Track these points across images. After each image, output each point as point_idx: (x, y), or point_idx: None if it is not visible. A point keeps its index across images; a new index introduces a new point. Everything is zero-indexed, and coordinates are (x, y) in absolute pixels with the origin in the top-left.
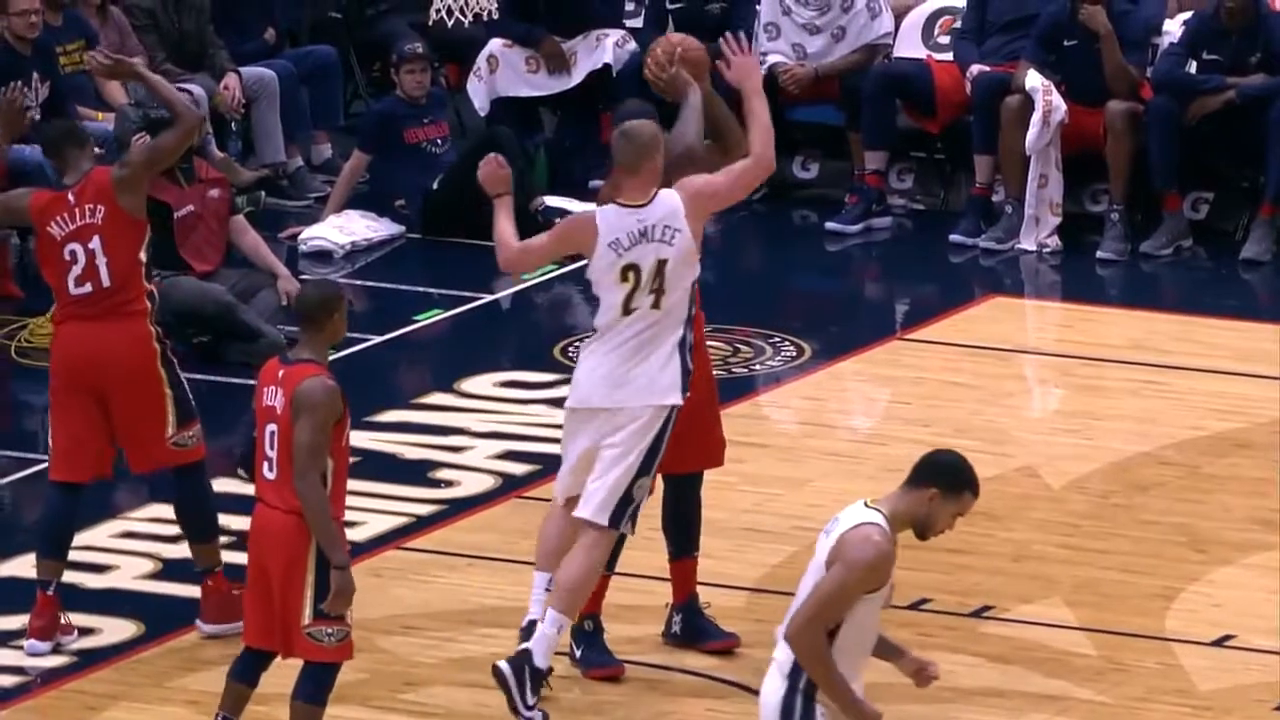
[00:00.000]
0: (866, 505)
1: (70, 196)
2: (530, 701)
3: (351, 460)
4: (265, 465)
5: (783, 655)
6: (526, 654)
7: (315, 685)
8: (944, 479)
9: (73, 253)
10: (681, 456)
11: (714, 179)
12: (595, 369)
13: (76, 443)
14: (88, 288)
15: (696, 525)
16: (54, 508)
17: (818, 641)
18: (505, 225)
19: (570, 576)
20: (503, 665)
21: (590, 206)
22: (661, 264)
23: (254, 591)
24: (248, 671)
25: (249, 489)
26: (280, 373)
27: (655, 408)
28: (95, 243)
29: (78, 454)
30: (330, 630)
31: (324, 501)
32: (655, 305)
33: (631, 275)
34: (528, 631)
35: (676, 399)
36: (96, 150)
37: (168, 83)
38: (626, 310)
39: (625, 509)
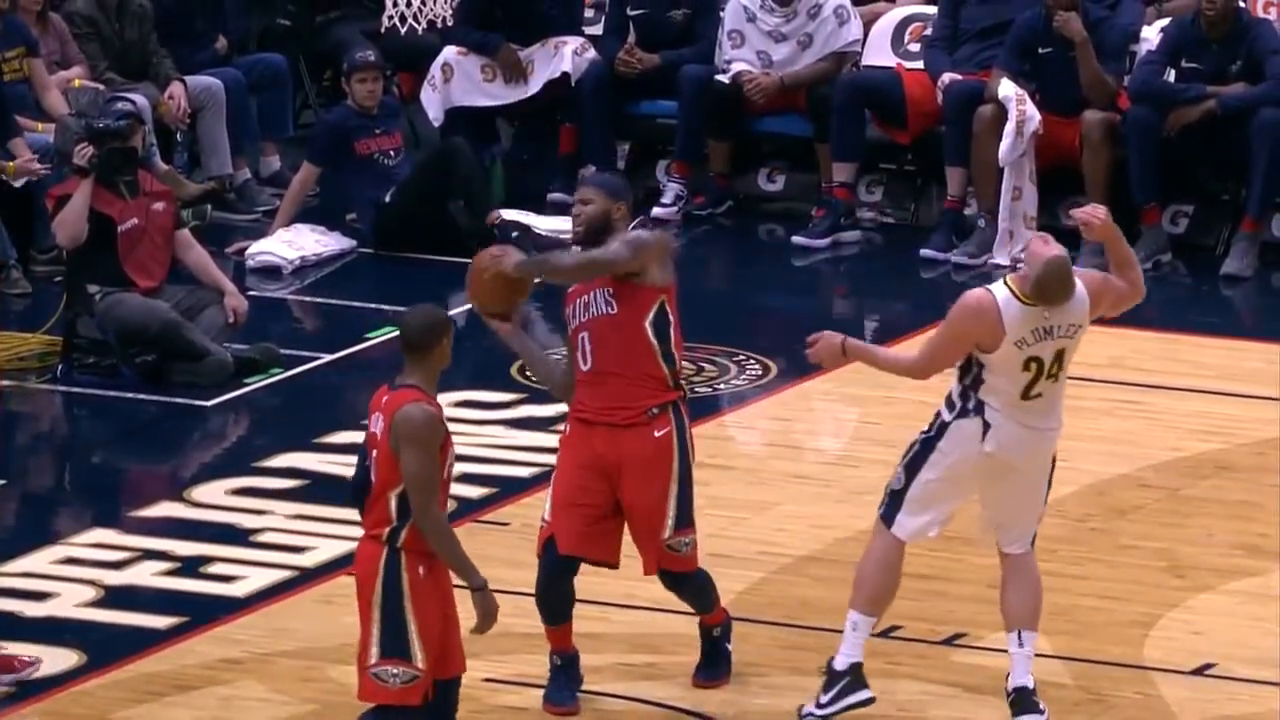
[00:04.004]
0: None
1: None
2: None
3: (300, 483)
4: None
5: None
6: (1022, 690)
7: None
8: None
9: None
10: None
11: (1114, 285)
12: (1005, 435)
13: None
14: None
15: (711, 588)
16: None
17: None
18: (880, 356)
19: (1035, 600)
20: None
21: (553, 222)
22: (1060, 353)
23: None
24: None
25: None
26: (384, 398)
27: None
28: None
29: None
30: (396, 671)
31: (448, 531)
32: (1054, 383)
33: (1034, 366)
34: (856, 678)
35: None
36: (39, 165)
37: None
38: (1026, 396)
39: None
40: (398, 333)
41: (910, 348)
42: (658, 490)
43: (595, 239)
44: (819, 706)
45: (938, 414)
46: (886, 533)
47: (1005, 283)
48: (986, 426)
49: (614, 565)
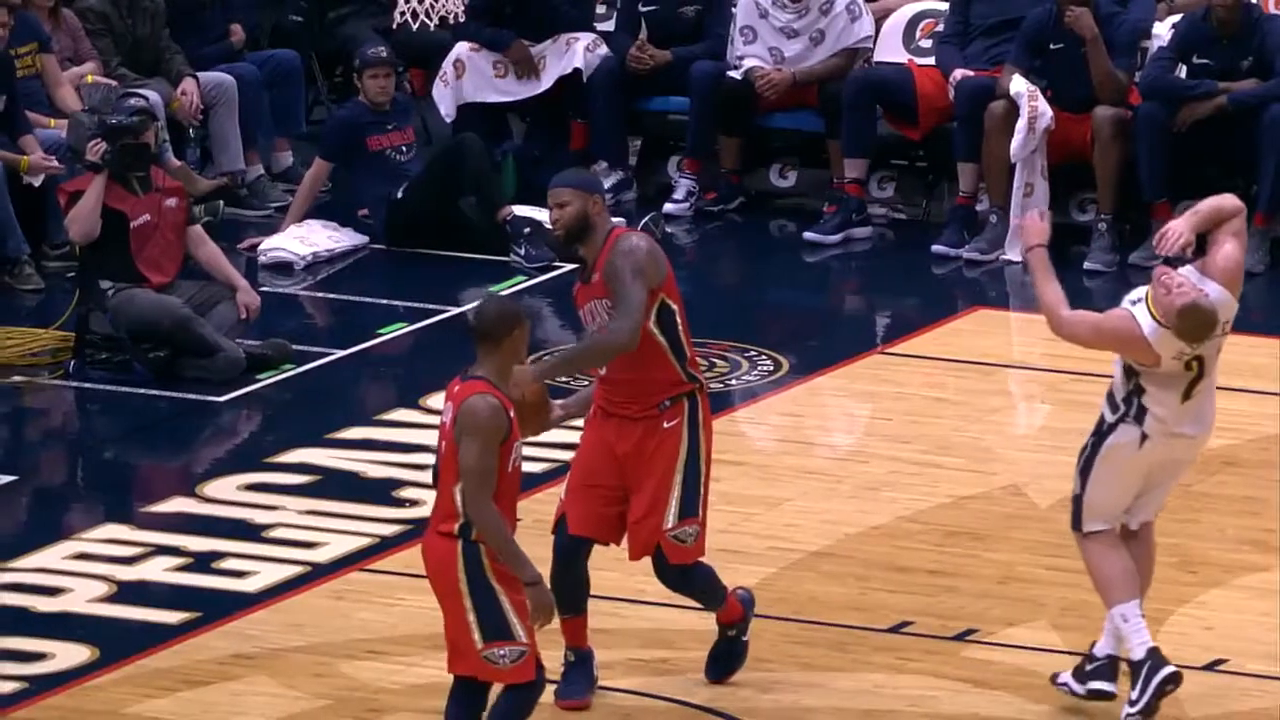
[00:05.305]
0: None
1: None
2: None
3: (311, 479)
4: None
5: None
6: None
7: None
8: None
9: None
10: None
11: (1235, 236)
12: (1161, 444)
13: None
14: None
15: (716, 583)
16: None
17: None
18: (1048, 287)
19: (1147, 573)
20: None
21: None
22: (1216, 352)
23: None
24: (456, 707)
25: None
26: (455, 388)
27: None
28: None
29: None
30: (504, 651)
31: (498, 524)
32: (1205, 379)
33: (1196, 365)
34: (1156, 660)
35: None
36: (55, 163)
37: None
38: (1187, 398)
39: None
40: (471, 322)
41: (1057, 307)
42: (659, 478)
43: (580, 238)
44: (1131, 704)
45: (1101, 416)
46: (1085, 540)
47: (1148, 309)
48: (1144, 438)
49: (617, 544)
